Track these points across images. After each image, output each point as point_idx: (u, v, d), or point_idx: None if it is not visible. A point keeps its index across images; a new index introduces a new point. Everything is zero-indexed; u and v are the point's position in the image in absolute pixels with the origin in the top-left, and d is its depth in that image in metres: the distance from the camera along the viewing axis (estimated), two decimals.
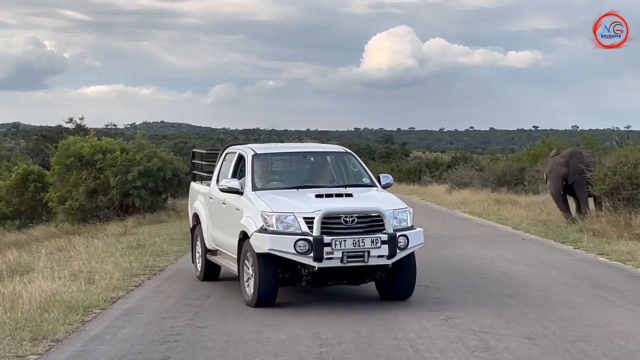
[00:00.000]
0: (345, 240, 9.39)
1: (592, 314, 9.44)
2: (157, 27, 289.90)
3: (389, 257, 9.61)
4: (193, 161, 13.98)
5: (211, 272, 12.04)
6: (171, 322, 9.09)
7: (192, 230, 12.88)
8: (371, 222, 9.64)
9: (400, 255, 9.74)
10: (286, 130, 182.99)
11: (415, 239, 10.06)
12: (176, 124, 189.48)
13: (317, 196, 10.02)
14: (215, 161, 12.52)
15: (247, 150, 11.22)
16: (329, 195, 10.14)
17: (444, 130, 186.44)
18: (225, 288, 11.44)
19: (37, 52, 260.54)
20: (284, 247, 9.42)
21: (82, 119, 41.38)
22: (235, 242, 10.36)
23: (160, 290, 11.31)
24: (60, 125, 42.62)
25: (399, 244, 9.67)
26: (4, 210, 31.07)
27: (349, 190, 10.46)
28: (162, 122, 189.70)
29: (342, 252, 9.38)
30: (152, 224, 22.97)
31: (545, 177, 20.42)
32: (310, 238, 9.36)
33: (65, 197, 26.66)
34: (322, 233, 9.38)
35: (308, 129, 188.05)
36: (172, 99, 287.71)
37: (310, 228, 9.42)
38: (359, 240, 9.45)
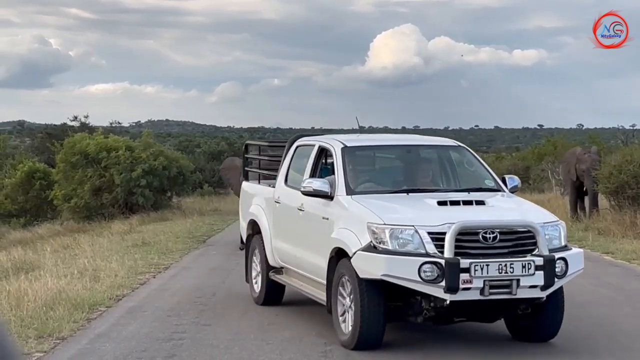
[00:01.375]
0: (488, 265, 7.18)
1: (597, 313, 9.43)
2: (162, 25, 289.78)
3: (544, 287, 7.38)
4: (246, 156, 11.89)
5: (273, 294, 9.88)
6: (176, 320, 9.10)
7: (247, 241, 10.62)
8: (518, 241, 7.46)
9: (557, 284, 7.52)
10: (291, 128, 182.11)
11: (575, 263, 7.72)
12: (181, 122, 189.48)
13: (440, 203, 7.85)
14: (279, 156, 10.49)
15: (334, 143, 8.94)
16: (454, 203, 7.97)
17: (449, 129, 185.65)
18: (230, 286, 11.45)
19: (43, 50, 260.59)
20: (405, 272, 7.19)
21: (86, 117, 41.41)
22: (321, 261, 8.22)
23: (165, 289, 11.32)
24: (65, 124, 42.65)
25: (556, 271, 7.43)
26: (9, 208, 31.14)
27: (475, 195, 8.36)
28: (167, 120, 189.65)
29: (484, 281, 7.17)
30: (157, 222, 23.00)
31: (574, 174, 19.33)
32: (441, 261, 7.13)
33: (70, 195, 26.71)
34: (455, 254, 7.21)
35: (313, 127, 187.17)
36: (177, 97, 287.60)
37: (439, 247, 7.23)
38: (505, 265, 7.23)
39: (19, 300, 9.60)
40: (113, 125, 49.44)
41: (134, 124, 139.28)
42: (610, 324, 8.82)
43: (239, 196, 16.61)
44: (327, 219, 8.19)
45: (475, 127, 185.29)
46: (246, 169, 11.74)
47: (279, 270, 9.68)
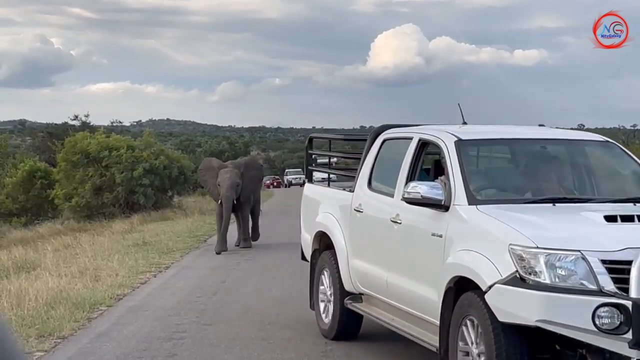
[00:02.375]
0: None
1: None
2: (163, 25, 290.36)
3: None
4: (311, 152, 9.74)
5: (349, 326, 8.01)
6: (177, 319, 9.10)
7: (312, 258, 8.71)
8: None
9: None
10: (292, 128, 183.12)
11: None
12: (182, 122, 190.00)
13: (608, 219, 5.76)
14: (357, 153, 8.65)
15: (442, 136, 6.82)
16: (627, 219, 5.83)
17: None
18: (230, 285, 11.46)
19: (44, 49, 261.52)
20: (572, 318, 5.21)
21: (87, 116, 41.50)
22: (429, 293, 6.26)
23: (166, 288, 11.32)
24: (66, 123, 42.72)
25: None
26: (10, 207, 31.18)
27: None
28: (168, 119, 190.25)
29: None
30: (157, 222, 23.01)
31: None
32: (626, 303, 5.16)
33: (71, 194, 26.74)
34: None
35: (314, 127, 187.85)
36: (178, 96, 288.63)
37: (617, 281, 5.24)
38: None
39: (20, 299, 9.60)
40: (114, 124, 49.62)
41: (135, 124, 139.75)
42: None
43: (215, 200, 16.38)
44: (440, 236, 6.13)
45: None
46: (310, 168, 9.76)
47: (357, 297, 7.79)
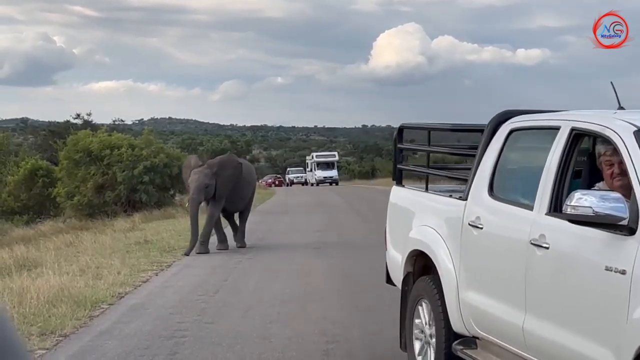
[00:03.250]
0: None
1: None
2: (166, 23, 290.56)
3: None
4: (400, 146, 7.67)
5: None
6: (178, 317, 9.11)
7: (404, 284, 6.86)
8: None
9: None
10: (294, 126, 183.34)
11: None
12: (184, 120, 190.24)
13: None
14: (470, 149, 6.71)
15: (610, 124, 4.78)
16: None
17: None
18: (232, 284, 11.46)
19: (47, 47, 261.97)
20: None
21: (89, 114, 41.53)
22: (603, 354, 4.28)
23: (168, 286, 11.33)
24: (69, 121, 42.77)
25: None
26: (12, 205, 31.20)
27: None
28: (170, 118, 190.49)
29: None
30: (159, 220, 23.03)
31: None
32: None
33: (73, 193, 26.78)
34: None
35: (315, 126, 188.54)
36: (180, 95, 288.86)
37: None
38: None
39: (22, 297, 9.62)
40: (116, 122, 49.67)
41: (137, 122, 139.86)
42: None
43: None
44: (622, 272, 4.19)
45: None
46: (400, 166, 7.64)
47: (470, 341, 5.88)
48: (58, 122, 46.45)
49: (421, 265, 6.56)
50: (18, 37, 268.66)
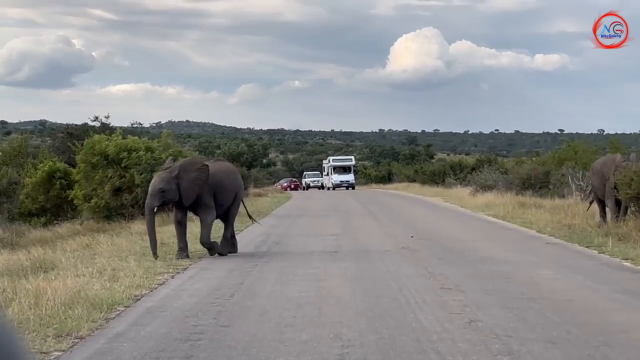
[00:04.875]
0: None
1: (616, 319, 9.36)
2: (184, 27, 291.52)
3: None
4: None
5: None
6: (194, 320, 9.11)
7: None
8: None
9: None
10: (310, 130, 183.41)
11: None
12: (201, 124, 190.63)
13: None
14: None
15: None
16: None
17: (469, 133, 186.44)
18: (248, 287, 11.46)
19: (66, 50, 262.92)
20: None
21: (107, 117, 41.63)
22: None
23: (184, 289, 11.35)
24: (86, 124, 42.90)
25: None
26: (29, 207, 31.29)
27: None
28: (187, 121, 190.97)
29: None
30: None
31: (613, 181, 18.82)
32: None
33: (90, 195, 26.84)
34: None
35: (332, 130, 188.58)
36: (197, 98, 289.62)
37: None
38: None
39: (38, 299, 9.65)
40: (134, 125, 49.84)
41: (154, 125, 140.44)
42: (629, 330, 8.76)
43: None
44: None
45: (496, 131, 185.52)
46: None
47: None
48: (76, 125, 46.53)
49: None
50: (38, 40, 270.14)
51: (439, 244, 17.56)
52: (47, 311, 9.09)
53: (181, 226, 15.29)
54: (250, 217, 18.17)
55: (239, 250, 16.13)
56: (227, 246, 15.80)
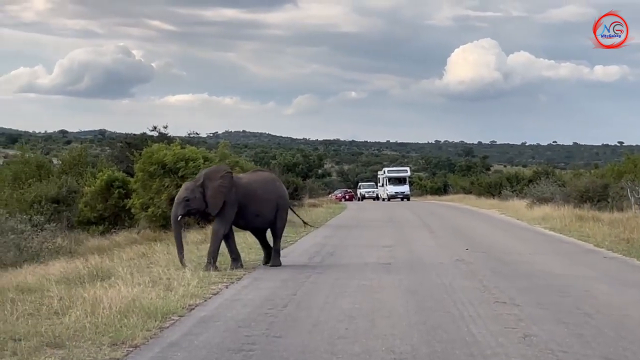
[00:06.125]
0: None
1: None
2: (242, 37, 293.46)
3: None
4: None
5: None
6: (247, 331, 9.15)
7: None
8: None
9: None
10: (366, 141, 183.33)
11: None
12: (257, 134, 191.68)
13: None
14: None
15: None
16: None
17: (526, 144, 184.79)
18: (301, 298, 11.48)
19: (126, 61, 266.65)
20: None
21: (165, 127, 42.05)
22: None
23: (237, 299, 11.40)
24: (145, 133, 43.37)
25: None
26: (88, 215, 31.75)
27: None
28: (243, 131, 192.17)
29: None
30: None
31: None
32: None
33: (147, 204, 27.14)
34: None
35: (388, 141, 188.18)
36: (254, 108, 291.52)
37: None
38: None
39: (94, 307, 9.78)
40: (191, 135, 50.06)
41: (211, 135, 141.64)
42: None
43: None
44: None
45: (554, 143, 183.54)
46: None
47: None
48: (134, 134, 47.08)
49: None
50: (98, 51, 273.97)
51: (494, 256, 17.41)
52: (102, 319, 9.21)
53: (228, 238, 15.17)
54: (305, 222, 18.06)
55: (292, 262, 16.15)
56: (278, 258, 15.73)
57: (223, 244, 15.13)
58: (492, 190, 54.76)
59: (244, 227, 15.92)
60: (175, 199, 15.11)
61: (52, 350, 7.99)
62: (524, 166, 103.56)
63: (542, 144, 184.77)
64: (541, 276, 14.06)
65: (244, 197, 15.14)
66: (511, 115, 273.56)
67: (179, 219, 15.09)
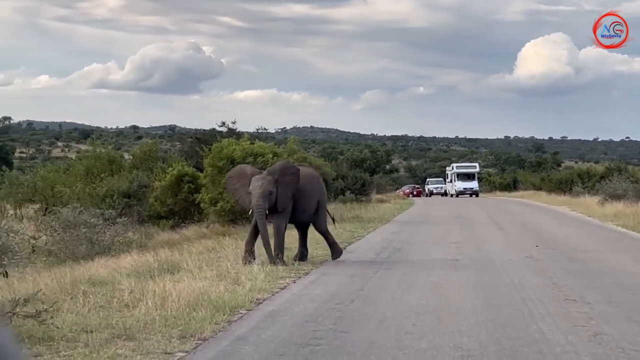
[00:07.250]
0: None
1: None
2: (311, 33, 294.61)
3: None
4: None
5: None
6: (314, 325, 9.18)
7: None
8: None
9: None
10: (434, 137, 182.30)
11: None
12: (325, 129, 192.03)
13: None
14: None
15: None
16: None
17: (598, 140, 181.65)
18: (368, 293, 11.47)
19: (196, 57, 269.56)
20: None
21: (234, 122, 42.36)
22: None
23: (305, 294, 11.45)
24: (214, 129, 43.73)
25: None
26: (158, 210, 32.11)
27: None
28: (311, 127, 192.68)
29: None
30: None
31: None
32: None
33: (216, 199, 27.36)
34: None
35: (457, 136, 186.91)
36: (322, 104, 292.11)
37: None
38: None
39: (164, 300, 9.92)
40: (259, 131, 50.41)
41: (279, 130, 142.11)
42: None
43: (247, 209, 15.45)
44: None
45: (626, 139, 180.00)
46: None
47: None
48: (204, 130, 47.48)
49: None
50: (169, 47, 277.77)
51: (565, 254, 17.18)
52: (172, 312, 9.34)
53: (279, 233, 15.24)
54: (333, 220, 18.10)
55: (359, 257, 16.16)
56: (338, 250, 15.92)
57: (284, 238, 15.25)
58: (563, 186, 53.99)
59: (290, 221, 16.05)
60: (260, 191, 14.92)
61: (123, 342, 8.12)
62: (596, 162, 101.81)
63: (615, 139, 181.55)
64: (612, 274, 13.83)
65: (297, 192, 15.43)
66: (583, 111, 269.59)
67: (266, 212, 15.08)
